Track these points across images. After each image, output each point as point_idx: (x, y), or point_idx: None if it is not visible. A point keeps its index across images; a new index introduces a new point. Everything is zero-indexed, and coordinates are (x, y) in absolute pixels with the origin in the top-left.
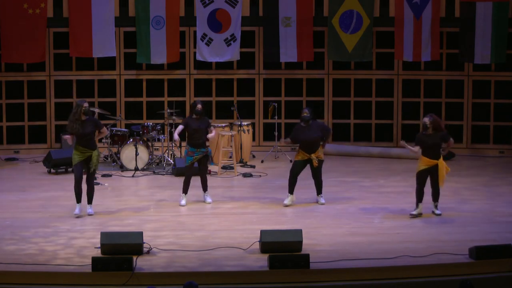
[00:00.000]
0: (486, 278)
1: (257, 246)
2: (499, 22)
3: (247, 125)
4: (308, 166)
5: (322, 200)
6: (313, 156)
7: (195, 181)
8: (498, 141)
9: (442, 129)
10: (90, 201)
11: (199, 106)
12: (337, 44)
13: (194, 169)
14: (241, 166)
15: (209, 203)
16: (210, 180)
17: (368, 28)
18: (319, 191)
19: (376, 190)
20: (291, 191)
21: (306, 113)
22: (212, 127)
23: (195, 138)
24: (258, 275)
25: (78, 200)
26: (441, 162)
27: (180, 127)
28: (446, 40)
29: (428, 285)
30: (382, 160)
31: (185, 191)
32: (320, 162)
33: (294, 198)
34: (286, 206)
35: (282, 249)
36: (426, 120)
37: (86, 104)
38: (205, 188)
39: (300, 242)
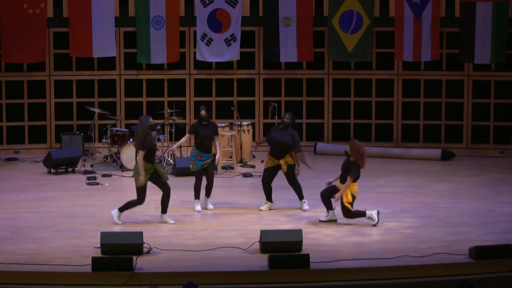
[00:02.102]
0: (486, 278)
1: (257, 246)
2: (499, 22)
3: (247, 125)
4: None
5: (305, 207)
6: (281, 161)
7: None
8: (498, 141)
9: (357, 158)
10: (164, 210)
11: (202, 112)
12: (337, 44)
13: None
14: (241, 166)
15: (211, 209)
16: None
17: (368, 28)
18: (300, 196)
19: (376, 190)
20: (268, 198)
21: (287, 118)
22: (216, 139)
23: (205, 144)
24: (258, 275)
25: (122, 210)
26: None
27: (188, 136)
28: (446, 40)
29: (428, 285)
30: (382, 160)
31: (197, 197)
32: (290, 166)
33: (271, 206)
34: (261, 211)
35: (282, 249)
36: (347, 147)
37: (151, 120)
38: (208, 193)
39: (300, 242)
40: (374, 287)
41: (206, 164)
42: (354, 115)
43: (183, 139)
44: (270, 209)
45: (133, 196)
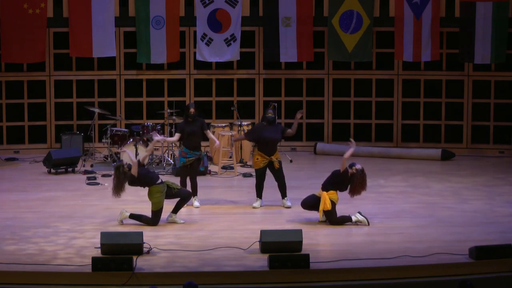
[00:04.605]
0: (486, 278)
1: (257, 246)
2: (499, 22)
3: (247, 125)
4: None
5: (288, 203)
6: (273, 158)
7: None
8: (498, 141)
9: (355, 182)
10: (176, 210)
11: (191, 110)
12: (337, 44)
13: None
14: (241, 166)
15: (197, 207)
16: (211, 180)
17: (368, 28)
18: (283, 194)
19: (376, 190)
20: (259, 195)
21: (271, 113)
22: (209, 131)
23: (190, 141)
24: (258, 275)
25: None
26: (324, 195)
27: (178, 135)
28: (446, 40)
29: (428, 285)
30: (382, 160)
31: None
32: (280, 163)
33: (261, 203)
34: (255, 208)
35: (282, 249)
36: (355, 167)
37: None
38: (194, 192)
39: (300, 242)
40: (374, 287)
41: (189, 161)
42: (354, 115)
43: (174, 138)
44: (261, 206)
45: (132, 195)
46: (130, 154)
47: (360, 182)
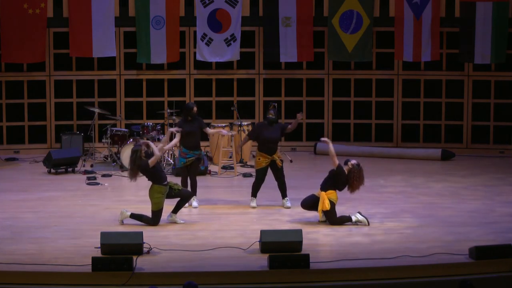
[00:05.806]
0: (486, 278)
1: (257, 246)
2: (499, 22)
3: (247, 125)
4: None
5: (288, 204)
6: (275, 156)
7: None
8: (498, 141)
9: (353, 180)
10: (176, 210)
11: (195, 109)
12: (337, 44)
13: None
14: (241, 166)
15: (195, 207)
16: (211, 180)
17: (368, 28)
18: (284, 194)
19: (376, 190)
20: (254, 194)
21: (272, 114)
22: (208, 128)
23: (189, 140)
24: (258, 275)
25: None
26: (323, 195)
27: (178, 136)
28: (446, 40)
29: (428, 285)
30: (382, 160)
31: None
32: (281, 162)
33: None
34: (254, 208)
35: (282, 249)
36: (351, 163)
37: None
38: (193, 192)
39: (300, 242)
40: (374, 287)
41: (189, 161)
42: (354, 115)
43: (176, 140)
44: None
45: (132, 195)
46: (154, 147)
47: (358, 177)
